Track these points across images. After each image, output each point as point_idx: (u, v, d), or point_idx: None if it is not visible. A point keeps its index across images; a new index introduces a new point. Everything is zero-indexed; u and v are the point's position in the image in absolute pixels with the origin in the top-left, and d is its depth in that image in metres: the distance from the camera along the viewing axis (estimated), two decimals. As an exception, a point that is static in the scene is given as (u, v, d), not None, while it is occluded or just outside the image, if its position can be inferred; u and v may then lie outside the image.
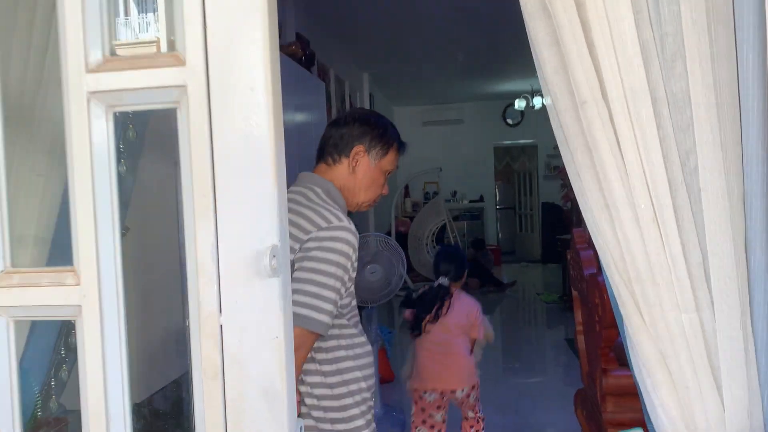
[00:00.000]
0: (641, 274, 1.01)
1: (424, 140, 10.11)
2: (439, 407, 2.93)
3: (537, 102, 8.81)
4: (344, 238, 1.31)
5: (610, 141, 1.01)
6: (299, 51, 4.41)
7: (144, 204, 1.88)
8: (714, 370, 1.00)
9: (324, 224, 1.32)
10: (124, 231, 2.16)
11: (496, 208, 11.63)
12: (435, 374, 2.90)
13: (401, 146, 1.57)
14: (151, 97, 0.89)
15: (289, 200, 1.40)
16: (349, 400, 1.37)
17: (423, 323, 2.90)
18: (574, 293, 3.36)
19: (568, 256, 3.46)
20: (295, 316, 1.24)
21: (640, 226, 1.00)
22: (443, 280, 2.94)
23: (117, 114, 0.92)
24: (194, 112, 0.87)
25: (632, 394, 2.87)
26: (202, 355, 0.88)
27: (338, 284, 1.29)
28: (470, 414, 3.03)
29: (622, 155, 1.01)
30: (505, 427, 3.97)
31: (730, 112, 0.99)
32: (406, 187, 10.49)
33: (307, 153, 4.17)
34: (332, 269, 1.28)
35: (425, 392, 2.91)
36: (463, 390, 2.92)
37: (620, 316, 1.07)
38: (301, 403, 1.34)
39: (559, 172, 8.61)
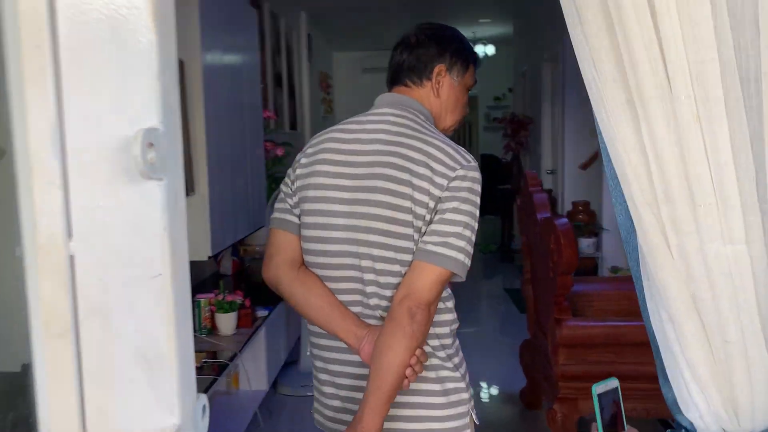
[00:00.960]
0: (673, 193, 0.76)
1: (363, 88, 9.72)
2: None
3: (479, 51, 8.58)
4: (480, 179, 1.30)
5: (638, 10, 0.74)
6: (227, -29, 3.92)
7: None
8: (763, 320, 0.76)
9: (464, 162, 1.28)
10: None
11: (435, 160, 11.47)
12: None
13: (476, 58, 1.49)
14: None
15: (401, 125, 1.32)
16: (452, 338, 1.39)
17: None
18: (523, 239, 3.17)
19: (518, 201, 3.25)
20: (449, 259, 1.24)
21: (678, 125, 0.74)
22: None
23: None
24: None
25: (585, 345, 2.72)
26: (42, 301, 0.57)
27: (476, 225, 1.30)
28: None
29: (656, 29, 0.73)
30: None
31: (798, -25, 0.73)
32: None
33: (239, 100, 3.70)
34: (477, 212, 1.29)
35: None
36: None
37: (634, 248, 0.82)
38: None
39: (500, 122, 8.47)
